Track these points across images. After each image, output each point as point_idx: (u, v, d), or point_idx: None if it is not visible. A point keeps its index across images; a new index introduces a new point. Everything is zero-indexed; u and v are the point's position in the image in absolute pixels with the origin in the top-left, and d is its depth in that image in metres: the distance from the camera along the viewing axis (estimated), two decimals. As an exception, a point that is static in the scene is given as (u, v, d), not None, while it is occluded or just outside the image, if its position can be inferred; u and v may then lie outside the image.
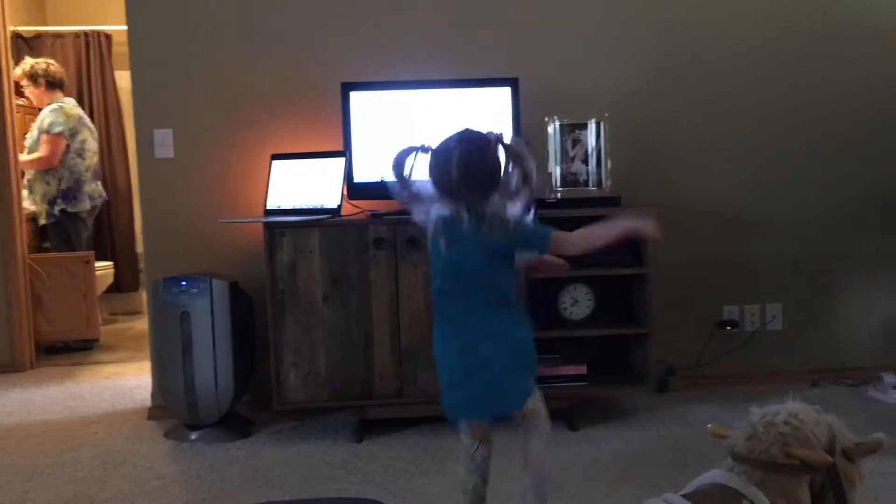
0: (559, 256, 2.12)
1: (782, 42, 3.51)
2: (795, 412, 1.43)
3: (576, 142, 3.14)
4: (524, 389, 2.01)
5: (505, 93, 3.10)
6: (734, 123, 3.52)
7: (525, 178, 1.92)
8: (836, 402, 3.17)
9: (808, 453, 1.37)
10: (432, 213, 2.00)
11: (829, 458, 1.39)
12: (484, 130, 1.99)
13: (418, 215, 2.03)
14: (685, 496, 1.38)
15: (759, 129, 3.52)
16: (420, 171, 1.99)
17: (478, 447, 1.99)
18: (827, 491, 1.42)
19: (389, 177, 2.02)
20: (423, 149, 1.99)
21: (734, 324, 3.54)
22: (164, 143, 3.32)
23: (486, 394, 1.96)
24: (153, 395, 3.39)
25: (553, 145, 3.13)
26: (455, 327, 2.00)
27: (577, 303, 3.08)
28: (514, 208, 1.93)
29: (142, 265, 5.64)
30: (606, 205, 3.05)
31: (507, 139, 1.97)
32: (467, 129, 2.01)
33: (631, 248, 3.05)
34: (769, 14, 3.51)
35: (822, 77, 3.53)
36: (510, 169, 1.93)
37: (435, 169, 1.97)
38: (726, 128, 3.52)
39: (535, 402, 2.02)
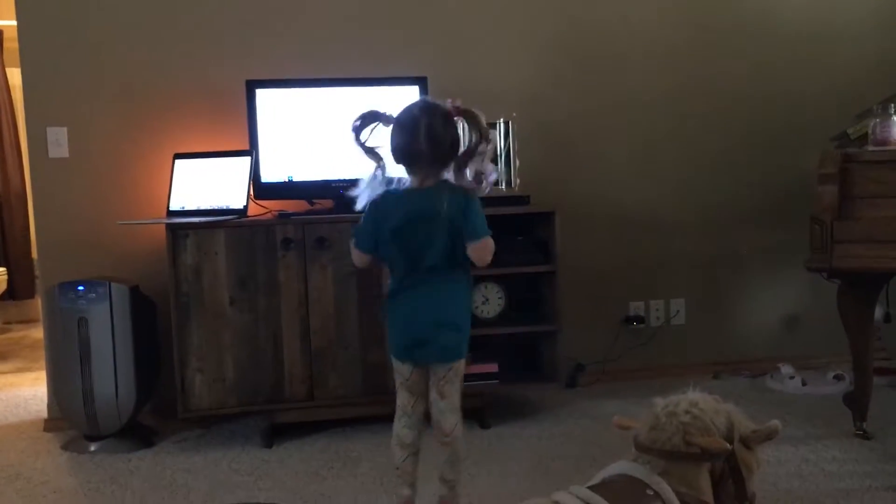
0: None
1: (688, 49, 3.62)
2: (696, 401, 1.47)
3: (485, 141, 3.15)
4: (454, 341, 2.10)
5: (413, 91, 3.09)
6: (639, 126, 3.61)
7: (479, 140, 2.02)
8: (736, 392, 3.29)
9: (707, 441, 1.41)
10: (378, 179, 2.05)
11: (728, 446, 1.43)
12: (442, 101, 2.06)
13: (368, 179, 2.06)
14: (591, 488, 1.40)
15: (662, 132, 3.62)
16: (379, 138, 2.05)
17: (415, 402, 2.13)
18: (727, 477, 1.47)
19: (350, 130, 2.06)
20: (386, 118, 2.05)
21: (640, 319, 3.63)
22: (59, 141, 3.17)
23: (421, 340, 2.07)
24: (49, 405, 3.23)
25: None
26: (409, 285, 2.07)
27: (488, 301, 3.10)
28: (469, 176, 2.03)
29: (38, 271, 5.39)
30: (515, 204, 3.08)
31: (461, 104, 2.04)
32: (426, 100, 2.09)
33: (539, 246, 3.09)
34: (677, 21, 3.61)
35: (725, 83, 3.65)
36: (468, 134, 2.03)
37: (401, 138, 2.02)
38: (632, 130, 3.60)
39: (459, 366, 2.11)
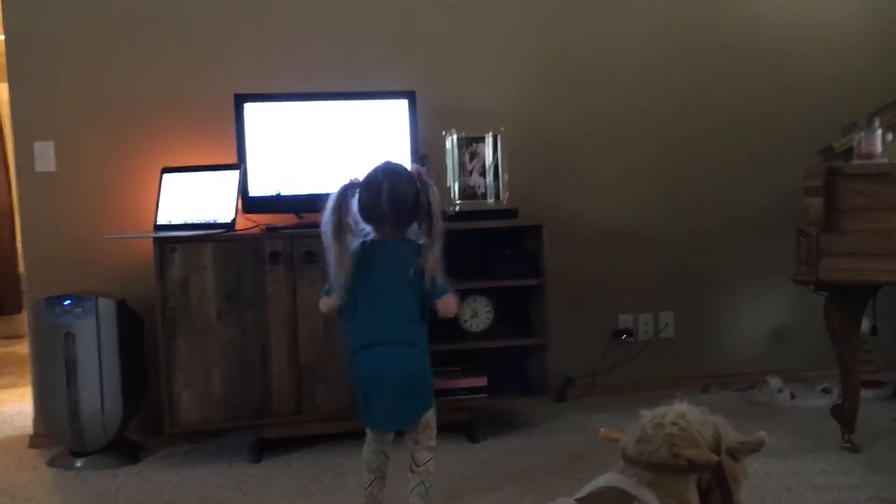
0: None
1: (676, 66, 3.64)
2: (683, 413, 1.47)
3: (473, 155, 3.17)
4: (423, 407, 2.23)
5: (402, 105, 3.10)
6: (628, 141, 3.62)
7: (429, 206, 2.19)
8: (725, 405, 3.29)
9: (694, 453, 1.41)
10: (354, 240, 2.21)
11: (715, 457, 1.43)
12: (405, 164, 2.29)
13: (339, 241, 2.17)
14: (579, 500, 1.39)
15: (651, 146, 3.64)
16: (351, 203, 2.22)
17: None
18: (714, 489, 1.46)
19: (327, 208, 2.18)
20: (353, 184, 2.21)
21: (629, 332, 3.63)
22: (45, 155, 3.15)
23: (392, 411, 2.18)
24: (35, 421, 3.20)
25: (451, 158, 3.14)
26: (370, 343, 2.18)
27: (477, 315, 3.09)
28: (423, 237, 2.20)
29: (24, 286, 5.35)
30: (504, 217, 3.08)
31: (423, 172, 2.25)
32: (390, 163, 2.25)
33: (528, 259, 3.09)
34: (665, 40, 3.63)
35: (712, 98, 3.68)
36: (424, 199, 2.19)
37: (367, 199, 2.19)
38: (620, 144, 3.62)
39: (429, 417, 2.25)
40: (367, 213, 2.19)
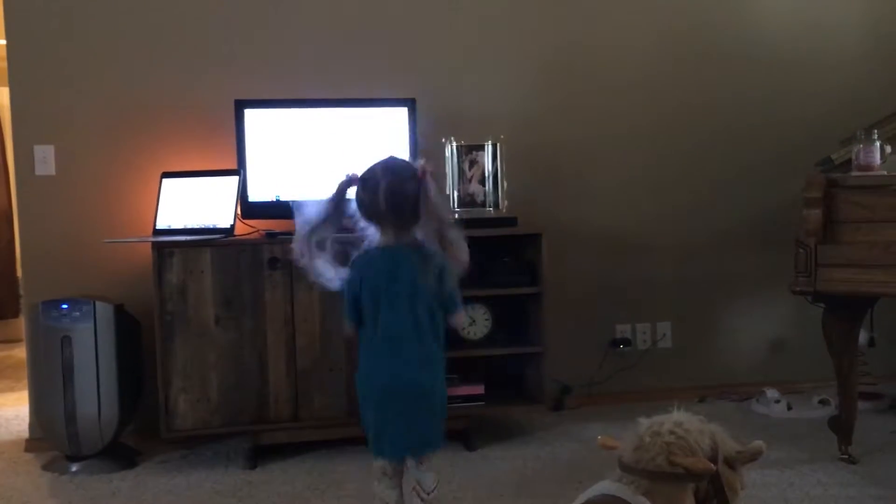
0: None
1: (675, 76, 3.66)
2: (680, 422, 1.47)
3: (473, 163, 3.18)
4: (441, 432, 2.07)
5: (402, 113, 3.10)
6: (627, 150, 3.63)
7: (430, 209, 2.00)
8: (723, 416, 3.24)
9: (691, 461, 1.40)
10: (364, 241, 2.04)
11: (712, 466, 1.42)
12: (410, 160, 2.09)
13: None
14: (575, 508, 1.39)
15: (650, 156, 3.64)
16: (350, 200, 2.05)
17: (395, 464, 2.06)
18: (711, 498, 1.46)
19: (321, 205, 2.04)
20: (351, 179, 2.04)
21: (627, 342, 3.62)
22: (45, 159, 3.16)
23: (416, 433, 2.01)
24: (31, 425, 3.19)
25: (450, 166, 3.15)
26: (386, 358, 2.00)
27: (475, 323, 3.09)
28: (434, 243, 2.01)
29: (23, 290, 5.34)
30: (503, 225, 3.09)
31: (429, 171, 2.03)
32: (392, 158, 2.08)
33: (526, 268, 3.09)
34: (667, 47, 3.65)
35: (711, 110, 3.69)
36: (429, 202, 1.99)
37: (364, 197, 2.02)
38: (619, 154, 3.62)
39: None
40: (366, 211, 2.01)
